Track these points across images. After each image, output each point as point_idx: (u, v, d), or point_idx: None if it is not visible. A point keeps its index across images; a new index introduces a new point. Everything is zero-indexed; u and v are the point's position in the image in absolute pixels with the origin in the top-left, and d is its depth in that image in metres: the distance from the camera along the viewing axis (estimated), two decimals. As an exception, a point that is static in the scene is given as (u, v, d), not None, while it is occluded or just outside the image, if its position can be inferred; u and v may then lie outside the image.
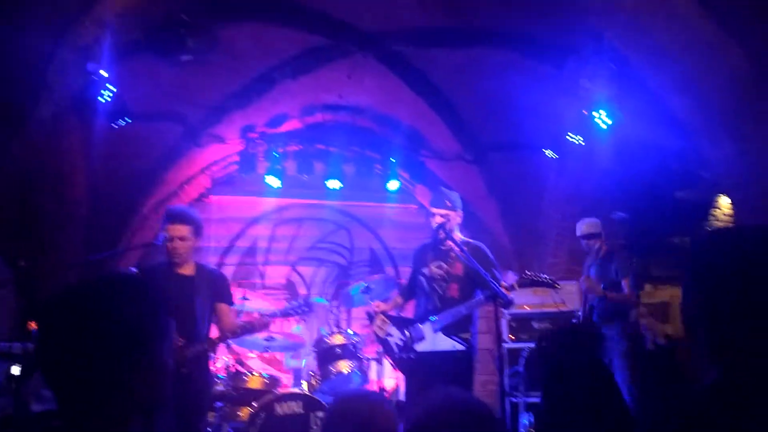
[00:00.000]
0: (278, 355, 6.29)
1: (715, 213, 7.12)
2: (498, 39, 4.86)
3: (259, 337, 4.75)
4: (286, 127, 6.46)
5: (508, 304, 3.49)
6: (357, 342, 4.72)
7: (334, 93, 5.92)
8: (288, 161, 6.49)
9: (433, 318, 3.71)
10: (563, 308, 5.50)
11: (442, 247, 3.90)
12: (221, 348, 4.96)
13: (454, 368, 3.65)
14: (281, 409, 4.17)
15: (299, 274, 7.29)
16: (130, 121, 4.42)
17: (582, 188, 6.26)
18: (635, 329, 4.81)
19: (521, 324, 5.75)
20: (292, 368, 5.79)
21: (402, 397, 4.68)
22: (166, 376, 1.16)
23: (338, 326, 5.20)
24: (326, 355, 4.61)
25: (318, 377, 4.62)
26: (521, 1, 4.31)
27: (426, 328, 3.74)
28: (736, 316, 1.04)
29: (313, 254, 7.39)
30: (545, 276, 3.65)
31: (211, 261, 6.87)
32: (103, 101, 4.05)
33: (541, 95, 5.08)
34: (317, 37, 5.00)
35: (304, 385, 4.76)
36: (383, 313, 3.97)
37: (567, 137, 5.20)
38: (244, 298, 4.75)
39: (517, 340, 5.67)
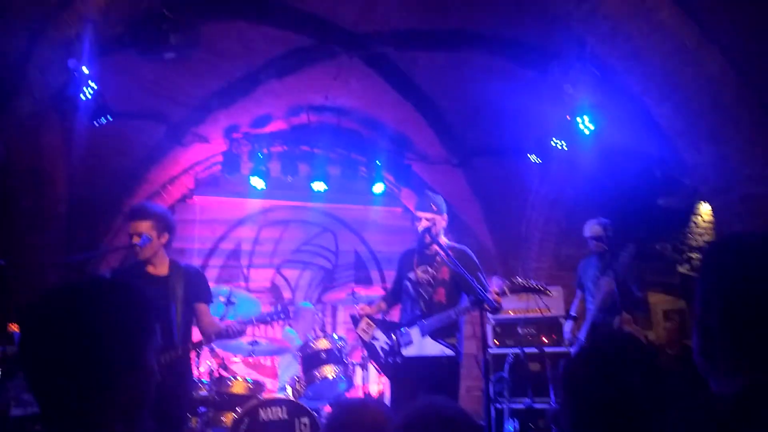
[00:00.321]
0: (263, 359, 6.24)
1: (695, 220, 7.22)
2: (482, 43, 4.88)
3: (243, 341, 4.70)
4: (270, 128, 6.43)
5: (495, 310, 3.49)
6: (342, 347, 4.69)
7: (319, 94, 5.90)
8: (272, 162, 6.44)
9: (422, 321, 3.70)
10: (547, 314, 5.54)
11: (428, 252, 3.90)
12: (205, 352, 4.91)
13: (441, 373, 3.64)
14: (265, 414, 4.12)
15: (284, 277, 7.24)
16: (111, 119, 4.34)
17: (565, 193, 6.32)
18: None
19: (506, 329, 5.77)
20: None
21: (387, 402, 4.66)
22: (150, 379, 1.15)
23: (323, 330, 5.17)
24: (311, 359, 4.57)
25: (303, 382, 4.58)
26: (505, 5, 4.33)
27: (414, 333, 3.73)
28: (762, 324, 1.02)
29: (298, 257, 7.35)
30: (535, 282, 3.66)
31: (195, 263, 6.80)
32: (84, 98, 3.98)
33: (525, 100, 5.11)
34: (303, 37, 4.97)
35: (289, 391, 4.72)
36: (368, 316, 3.95)
37: (550, 142, 5.24)
38: (229, 302, 4.69)
39: (502, 345, 5.69)
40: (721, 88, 3.62)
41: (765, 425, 0.95)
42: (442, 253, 3.72)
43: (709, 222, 7.13)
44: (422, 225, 3.82)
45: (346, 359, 4.70)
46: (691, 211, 7.25)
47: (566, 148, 5.21)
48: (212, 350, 4.94)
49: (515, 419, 5.17)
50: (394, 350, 3.76)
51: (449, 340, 3.69)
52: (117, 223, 5.87)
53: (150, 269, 3.42)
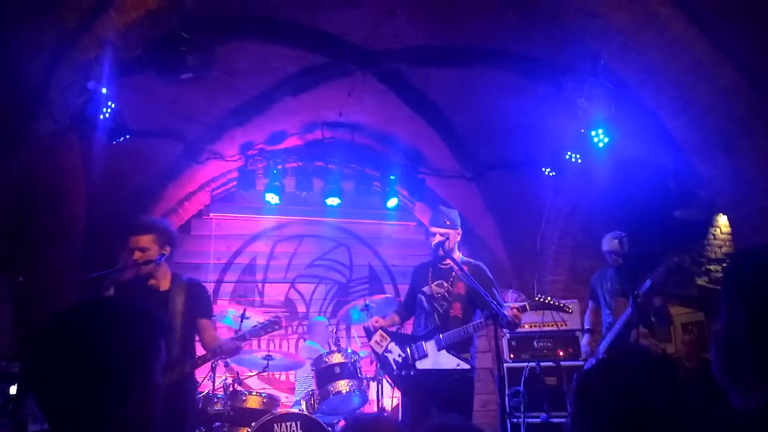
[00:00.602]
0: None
1: (713, 232, 7.14)
2: (495, 58, 4.91)
3: (258, 356, 4.73)
4: (285, 144, 6.49)
5: (512, 325, 3.48)
6: (356, 360, 4.69)
7: (333, 111, 5.96)
8: (287, 178, 6.50)
9: (439, 335, 3.70)
10: (563, 327, 5.49)
11: (442, 266, 3.91)
12: (220, 366, 4.93)
13: (455, 387, 3.63)
14: (279, 429, 4.13)
15: (298, 291, 7.26)
16: (129, 137, 4.43)
17: (580, 206, 6.29)
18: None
19: (521, 343, 5.73)
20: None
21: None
22: (157, 396, 1.16)
23: (338, 345, 5.17)
24: (325, 374, 4.58)
25: (317, 397, 4.58)
26: (518, 21, 4.36)
27: (429, 346, 3.72)
28: None
29: (312, 271, 7.37)
30: (555, 300, 3.69)
31: (211, 278, 6.86)
32: (103, 118, 4.07)
33: (539, 114, 5.12)
34: (317, 55, 5.04)
35: (303, 405, 4.72)
36: (382, 328, 3.96)
37: (565, 155, 5.23)
38: (244, 316, 4.72)
39: (517, 359, 5.64)
40: (735, 100, 3.61)
41: None
42: (456, 267, 3.72)
43: (728, 234, 7.06)
44: (436, 240, 3.84)
45: (361, 373, 4.69)
46: (708, 223, 7.18)
47: (581, 162, 5.21)
48: (227, 365, 4.97)
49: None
50: (407, 363, 3.75)
51: (463, 354, 3.69)
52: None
53: (152, 283, 3.42)
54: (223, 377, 4.85)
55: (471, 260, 4.02)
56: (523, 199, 6.63)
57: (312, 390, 4.75)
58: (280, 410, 4.51)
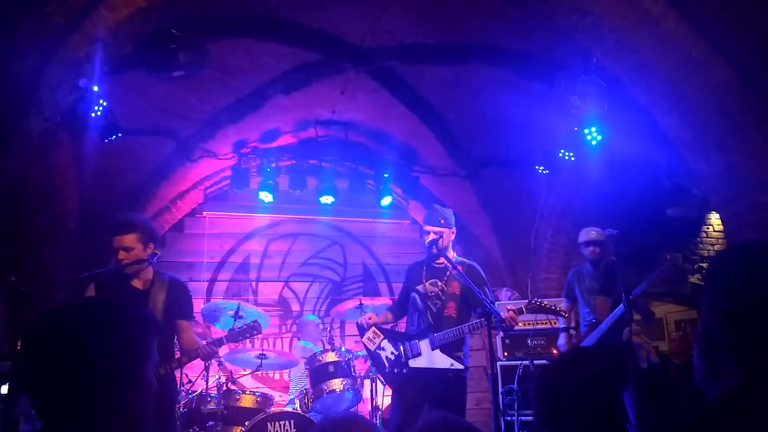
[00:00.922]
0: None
1: (706, 229, 7.18)
2: (488, 56, 4.91)
3: (251, 354, 4.71)
4: (278, 143, 6.47)
5: (507, 328, 3.48)
6: (350, 359, 4.69)
7: (327, 109, 5.95)
8: (281, 176, 6.49)
9: (433, 334, 3.70)
10: (557, 325, 5.50)
11: (436, 265, 3.91)
12: (213, 365, 4.91)
13: (447, 386, 3.63)
14: (273, 428, 4.13)
15: (292, 290, 7.25)
16: (121, 135, 4.41)
17: (573, 204, 6.31)
18: (629, 348, 4.74)
19: (515, 341, 5.73)
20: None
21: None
22: (150, 395, 1.17)
23: (331, 343, 5.16)
24: (319, 372, 4.57)
25: (311, 395, 4.57)
26: (510, 18, 4.36)
27: (423, 345, 3.72)
28: (761, 325, 1.07)
29: (306, 270, 7.36)
30: (552, 304, 3.72)
31: (204, 277, 6.84)
32: (95, 116, 4.04)
33: (532, 112, 5.12)
34: (310, 52, 5.02)
35: (297, 404, 4.71)
36: (376, 325, 3.95)
37: (558, 153, 5.24)
38: (238, 316, 4.70)
39: (511, 357, 5.65)
40: (727, 97, 3.61)
41: (752, 426, 0.99)
42: (449, 266, 3.72)
43: (720, 231, 7.09)
44: (430, 238, 3.83)
45: (355, 372, 4.69)
46: (701, 220, 7.21)
47: (574, 159, 5.22)
48: (221, 364, 4.96)
49: (525, 431, 5.13)
50: (400, 361, 3.75)
51: (456, 353, 3.69)
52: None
53: (134, 282, 3.39)
54: (217, 376, 4.83)
55: (465, 260, 4.02)
56: (517, 196, 6.64)
57: (306, 388, 4.75)
58: (273, 409, 4.51)
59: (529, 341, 5.64)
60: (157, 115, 5.32)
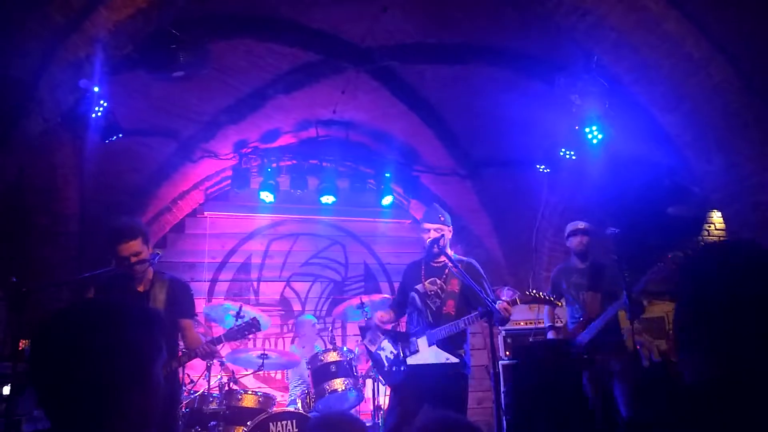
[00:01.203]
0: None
1: (708, 228, 7.16)
2: (489, 56, 4.90)
3: (253, 354, 4.72)
4: (279, 143, 6.47)
5: (503, 321, 3.48)
6: (352, 359, 4.69)
7: (327, 108, 5.95)
8: (281, 176, 6.49)
9: (429, 331, 3.70)
10: (559, 324, 5.49)
11: (435, 264, 3.90)
12: (215, 365, 4.92)
13: (447, 383, 3.62)
14: (275, 428, 4.13)
15: (293, 290, 7.25)
16: (122, 136, 4.41)
17: (574, 203, 6.30)
18: (630, 346, 4.68)
19: (517, 340, 5.73)
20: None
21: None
22: (157, 394, 1.17)
23: (333, 343, 5.17)
24: (321, 372, 4.57)
25: (312, 395, 4.58)
26: (510, 18, 4.35)
27: (421, 342, 3.73)
28: (726, 322, 1.15)
29: (308, 270, 7.36)
30: (545, 294, 3.69)
31: (206, 277, 6.84)
32: (95, 117, 4.05)
33: (533, 111, 5.12)
34: (311, 53, 5.02)
35: (299, 404, 4.71)
36: (377, 326, 3.96)
37: (559, 152, 5.23)
38: (239, 315, 4.71)
39: (513, 356, 5.65)
40: (728, 96, 3.61)
41: (729, 414, 1.06)
42: (450, 263, 3.72)
43: (722, 230, 7.07)
44: (431, 236, 3.83)
45: (356, 372, 4.69)
46: (703, 219, 7.19)
47: (575, 158, 5.21)
48: (222, 364, 4.96)
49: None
50: (398, 359, 3.76)
51: (457, 351, 3.68)
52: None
53: (135, 283, 3.42)
54: (219, 376, 4.84)
55: (463, 258, 4.02)
56: (518, 196, 6.63)
57: (307, 388, 4.76)
58: (275, 409, 4.51)
59: (530, 340, 5.64)
60: (158, 115, 5.32)
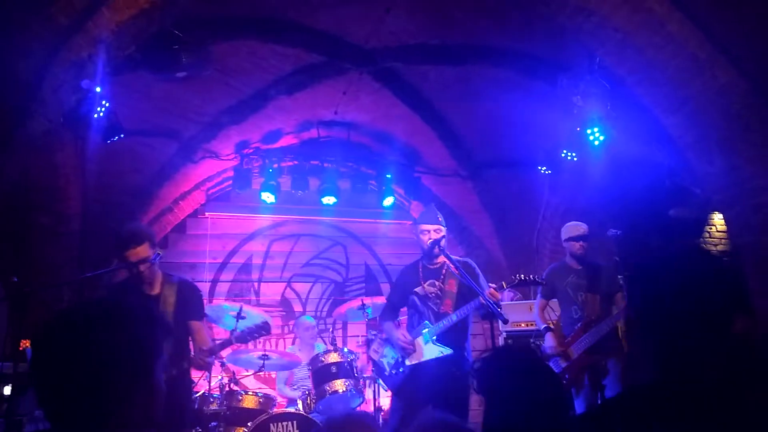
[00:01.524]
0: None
1: (709, 230, 7.16)
2: (491, 56, 4.90)
3: (254, 355, 4.71)
4: (281, 143, 6.47)
5: (498, 316, 3.44)
6: (353, 360, 4.69)
7: (329, 109, 5.95)
8: (283, 177, 6.49)
9: (424, 330, 3.71)
10: (551, 327, 5.47)
11: (432, 266, 3.90)
12: (216, 366, 4.91)
13: (448, 381, 3.60)
14: (276, 429, 4.12)
15: (294, 290, 7.25)
16: (124, 136, 4.41)
17: (576, 204, 6.29)
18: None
19: (518, 342, 5.72)
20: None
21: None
22: (159, 396, 1.17)
23: (334, 344, 5.16)
24: (321, 373, 4.57)
25: (313, 396, 4.57)
26: (514, 19, 4.35)
27: (417, 342, 3.74)
28: (670, 326, 1.20)
29: (309, 270, 7.36)
30: (532, 276, 3.70)
31: (206, 277, 6.84)
32: (97, 117, 4.05)
33: (535, 112, 5.12)
34: (313, 54, 5.03)
35: (299, 405, 4.71)
36: (378, 336, 3.98)
37: (561, 153, 5.23)
38: (240, 317, 4.70)
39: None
40: (731, 98, 3.61)
41: (670, 413, 1.13)
42: (449, 263, 3.72)
43: (723, 232, 7.07)
44: (431, 236, 3.82)
45: (357, 373, 4.69)
46: (704, 220, 7.18)
47: (576, 160, 5.20)
48: (223, 364, 4.96)
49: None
50: (398, 362, 3.77)
51: (457, 349, 3.69)
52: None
53: (145, 286, 3.44)
54: (219, 377, 4.83)
55: (460, 258, 4.03)
56: (519, 197, 6.63)
57: (308, 389, 4.75)
58: (276, 410, 4.50)
59: (531, 342, 5.63)
60: (160, 116, 5.32)
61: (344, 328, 7.08)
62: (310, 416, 4.33)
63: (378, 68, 5.24)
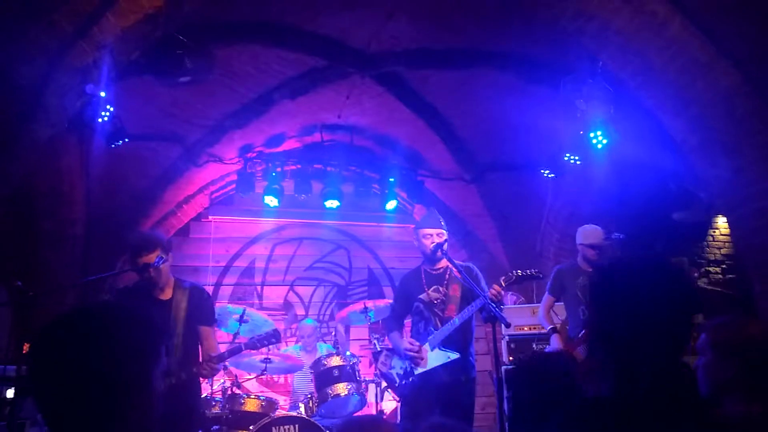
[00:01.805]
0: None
1: (713, 233, 7.14)
2: (494, 60, 4.91)
3: (256, 358, 4.71)
4: (284, 147, 6.49)
5: (500, 319, 3.44)
6: (355, 363, 4.68)
7: (332, 113, 5.96)
8: (286, 181, 6.50)
9: (430, 337, 3.70)
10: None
11: (434, 272, 3.89)
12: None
13: (454, 387, 3.60)
14: (278, 432, 4.12)
15: (297, 294, 7.25)
16: (128, 141, 4.43)
17: (579, 208, 6.28)
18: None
19: (520, 345, 5.70)
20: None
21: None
22: (155, 401, 1.16)
23: (336, 347, 5.16)
24: (324, 377, 4.56)
25: (315, 400, 4.57)
26: (516, 23, 4.36)
27: (424, 349, 3.72)
28: (628, 336, 1.21)
29: (312, 274, 7.37)
30: (529, 270, 3.66)
31: (210, 281, 6.85)
32: (102, 122, 4.07)
33: (538, 115, 5.12)
34: (316, 58, 5.04)
35: (302, 408, 4.71)
36: (385, 348, 3.97)
37: (564, 157, 5.22)
38: (243, 320, 4.71)
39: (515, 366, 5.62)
40: (734, 101, 3.60)
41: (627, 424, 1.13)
42: (452, 267, 3.71)
43: (727, 235, 7.05)
44: (434, 240, 3.81)
45: (359, 376, 4.68)
46: (707, 224, 7.17)
47: (580, 163, 5.20)
48: (225, 368, 4.96)
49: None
50: (407, 372, 3.75)
51: (462, 351, 3.68)
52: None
53: (156, 291, 3.46)
54: (222, 380, 4.84)
55: (462, 262, 4.01)
56: (523, 201, 6.62)
57: (311, 392, 4.75)
58: (278, 413, 4.50)
59: (534, 345, 5.61)
60: (164, 120, 5.35)
61: (347, 331, 7.08)
62: (312, 419, 4.33)
63: (381, 72, 5.25)
